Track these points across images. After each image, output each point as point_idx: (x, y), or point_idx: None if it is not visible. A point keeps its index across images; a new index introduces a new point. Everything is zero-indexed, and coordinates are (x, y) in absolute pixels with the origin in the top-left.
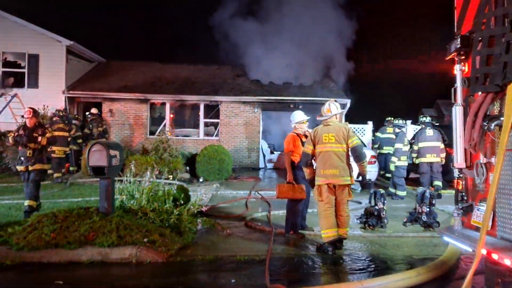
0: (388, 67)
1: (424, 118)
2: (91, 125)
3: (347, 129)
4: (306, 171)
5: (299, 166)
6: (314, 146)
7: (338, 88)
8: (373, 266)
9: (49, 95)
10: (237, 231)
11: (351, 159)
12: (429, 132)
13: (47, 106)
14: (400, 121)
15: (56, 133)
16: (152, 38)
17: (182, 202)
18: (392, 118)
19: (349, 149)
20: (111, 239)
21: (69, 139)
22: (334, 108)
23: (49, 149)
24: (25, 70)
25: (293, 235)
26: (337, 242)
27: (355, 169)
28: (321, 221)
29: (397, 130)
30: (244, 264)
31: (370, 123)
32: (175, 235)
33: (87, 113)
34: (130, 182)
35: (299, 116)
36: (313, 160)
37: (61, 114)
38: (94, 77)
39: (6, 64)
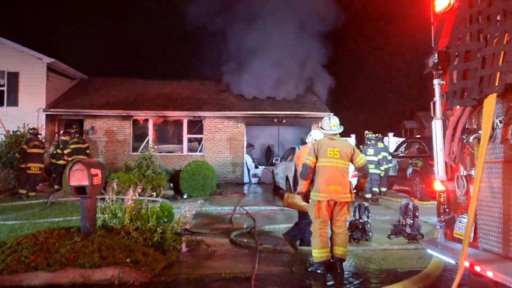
0: (370, 80)
1: (370, 135)
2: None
3: (353, 147)
4: (304, 185)
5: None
6: (316, 159)
7: (321, 102)
8: (358, 280)
9: (29, 113)
10: (222, 248)
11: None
12: (370, 150)
13: (27, 125)
14: (370, 135)
15: (32, 150)
16: (135, 54)
17: (165, 220)
18: (367, 132)
19: (357, 167)
20: (93, 260)
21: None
22: (339, 123)
23: (24, 166)
24: (5, 88)
25: (290, 242)
26: (337, 266)
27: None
28: (314, 240)
29: (368, 142)
30: (230, 282)
31: (353, 136)
32: (158, 254)
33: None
34: (112, 201)
35: (318, 135)
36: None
37: (35, 132)
38: (75, 94)
39: None
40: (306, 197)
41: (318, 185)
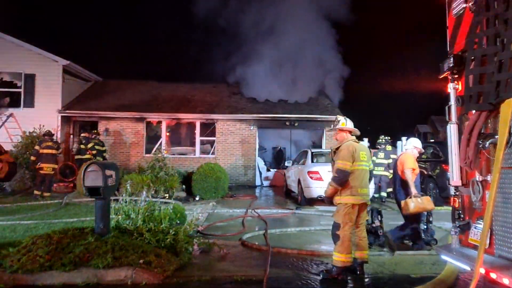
0: (383, 84)
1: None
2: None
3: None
4: (334, 190)
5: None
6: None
7: (333, 105)
8: (371, 285)
9: (45, 114)
10: (234, 250)
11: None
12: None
13: (43, 126)
14: (381, 140)
15: (45, 151)
16: (149, 57)
17: (178, 221)
18: (382, 137)
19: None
20: (107, 261)
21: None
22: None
23: (37, 166)
24: (21, 90)
25: (389, 241)
26: (360, 268)
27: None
28: (343, 245)
29: (379, 147)
30: (241, 285)
31: (366, 140)
32: (171, 256)
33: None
34: (126, 202)
35: (419, 143)
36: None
37: (48, 133)
38: (90, 96)
39: (2, 84)
40: (331, 201)
41: (353, 188)
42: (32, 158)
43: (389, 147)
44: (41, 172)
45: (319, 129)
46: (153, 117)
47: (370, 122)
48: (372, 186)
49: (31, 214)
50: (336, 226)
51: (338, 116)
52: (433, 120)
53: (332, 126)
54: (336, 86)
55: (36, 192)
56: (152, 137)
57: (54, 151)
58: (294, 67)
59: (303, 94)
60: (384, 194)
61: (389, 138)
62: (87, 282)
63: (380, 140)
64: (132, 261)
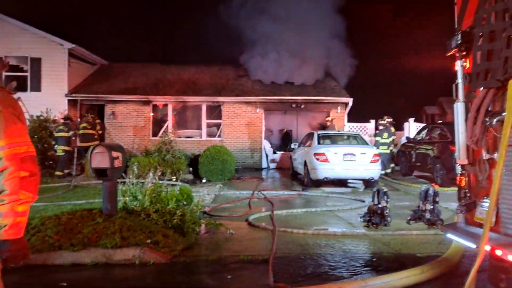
0: (390, 65)
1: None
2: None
3: None
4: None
5: None
6: None
7: (340, 87)
8: (376, 264)
9: (52, 98)
10: (241, 231)
11: None
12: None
13: (50, 109)
14: (384, 121)
15: (57, 134)
16: (155, 39)
17: (185, 203)
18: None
19: None
20: (115, 241)
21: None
22: None
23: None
24: (28, 74)
25: None
26: None
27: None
28: None
29: (380, 127)
30: (248, 264)
31: (372, 122)
32: (178, 236)
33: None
34: (133, 184)
35: None
36: None
37: (64, 117)
38: (96, 80)
39: (8, 68)
40: None
41: None
42: (53, 142)
43: (392, 128)
44: (56, 154)
45: (325, 111)
46: (159, 100)
47: (377, 104)
48: (376, 167)
49: (40, 196)
50: None
51: None
52: (441, 101)
53: None
54: (343, 68)
55: (57, 173)
56: (159, 120)
57: (64, 134)
58: (300, 49)
59: (309, 76)
60: (389, 170)
61: (392, 120)
62: (95, 261)
63: (383, 121)
64: (140, 241)
